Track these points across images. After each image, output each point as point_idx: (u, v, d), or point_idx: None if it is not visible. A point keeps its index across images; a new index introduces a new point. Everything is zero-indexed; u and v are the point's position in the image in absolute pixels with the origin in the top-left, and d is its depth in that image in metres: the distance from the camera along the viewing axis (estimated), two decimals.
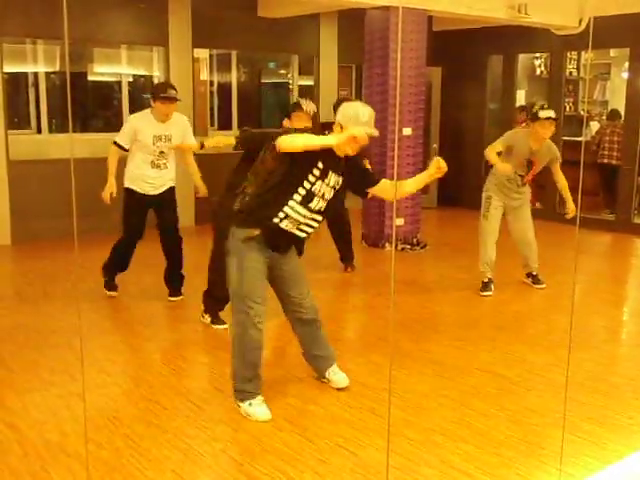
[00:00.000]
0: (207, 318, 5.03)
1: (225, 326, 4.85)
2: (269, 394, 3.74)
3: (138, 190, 5.32)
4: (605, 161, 9.41)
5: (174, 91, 5.20)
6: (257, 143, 4.69)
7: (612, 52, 10.92)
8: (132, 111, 7.43)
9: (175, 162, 5.46)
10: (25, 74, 8.58)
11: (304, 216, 3.54)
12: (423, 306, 5.74)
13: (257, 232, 3.50)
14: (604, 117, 10.79)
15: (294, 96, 10.68)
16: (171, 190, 5.47)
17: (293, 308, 3.82)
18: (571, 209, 5.88)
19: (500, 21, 8.41)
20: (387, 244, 7.70)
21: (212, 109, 10.39)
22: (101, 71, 9.35)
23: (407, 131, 7.63)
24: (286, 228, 3.54)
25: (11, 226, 7.71)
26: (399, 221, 7.63)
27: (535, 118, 5.64)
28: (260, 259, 3.54)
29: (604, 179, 9.51)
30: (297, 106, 4.62)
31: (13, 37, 8.01)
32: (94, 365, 4.27)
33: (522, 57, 10.44)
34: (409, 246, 7.73)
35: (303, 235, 3.64)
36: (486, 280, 5.99)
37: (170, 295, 5.64)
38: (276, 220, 3.50)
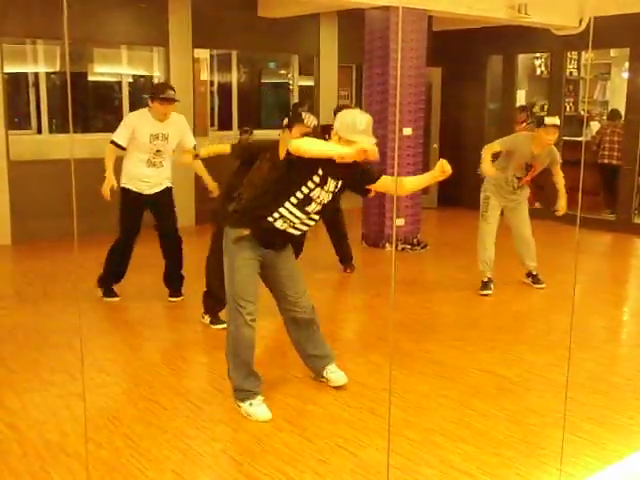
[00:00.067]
0: (207, 318, 5.03)
1: (224, 325, 4.84)
2: (268, 394, 3.74)
3: (134, 189, 5.32)
4: (605, 161, 9.41)
5: (173, 92, 5.23)
6: (252, 154, 4.72)
7: (612, 52, 10.92)
8: (132, 111, 7.43)
9: (171, 162, 5.47)
10: (25, 74, 8.59)
11: (300, 218, 3.55)
12: (423, 306, 5.74)
13: (246, 232, 3.52)
14: (604, 117, 10.78)
15: (294, 96, 10.68)
16: (168, 191, 5.48)
17: (288, 307, 3.82)
18: (561, 207, 5.91)
19: (500, 21, 8.41)
20: (387, 244, 7.70)
21: (212, 109, 10.39)
22: (101, 71, 9.35)
23: (407, 131, 7.63)
24: (281, 228, 3.55)
25: (11, 226, 7.72)
26: (399, 221, 7.63)
27: (540, 124, 5.66)
28: (252, 258, 3.57)
29: (604, 179, 9.51)
30: (299, 119, 4.53)
31: (13, 37, 8.01)
32: (94, 365, 4.27)
33: (522, 57, 10.44)
34: (409, 246, 7.73)
35: (298, 233, 3.65)
36: (485, 280, 6.00)
37: (170, 295, 5.64)
38: (270, 219, 3.51)
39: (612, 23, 7.78)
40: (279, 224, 3.53)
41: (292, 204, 3.49)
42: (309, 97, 10.42)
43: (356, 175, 3.64)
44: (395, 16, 7.35)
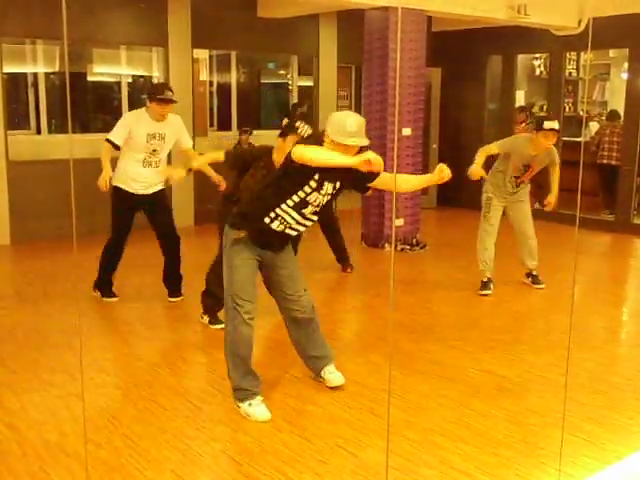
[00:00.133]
0: (206, 318, 5.03)
1: (222, 325, 4.84)
2: (268, 394, 3.75)
3: (127, 189, 5.33)
4: (604, 161, 9.41)
5: (171, 93, 5.25)
6: (245, 162, 4.73)
7: (611, 53, 10.93)
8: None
9: (166, 163, 5.48)
10: (24, 74, 8.59)
11: (296, 219, 3.56)
12: (423, 306, 5.74)
13: (243, 234, 3.55)
14: (603, 117, 10.79)
15: (293, 96, 10.69)
16: (162, 192, 5.50)
17: (289, 306, 3.82)
18: (549, 202, 5.91)
19: (500, 21, 8.41)
20: (387, 244, 7.70)
21: (212, 109, 10.39)
22: (101, 71, 9.35)
23: (407, 131, 7.64)
24: (277, 229, 3.56)
25: (10, 226, 7.72)
26: (399, 221, 7.64)
27: (539, 128, 5.61)
28: (251, 258, 3.59)
29: (603, 179, 9.51)
30: (293, 129, 4.51)
31: (13, 37, 8.01)
32: (93, 365, 4.27)
33: (521, 57, 10.45)
34: (409, 246, 7.73)
35: (294, 234, 3.67)
36: (485, 280, 6.00)
37: (170, 296, 5.64)
38: (267, 220, 3.53)
39: (611, 24, 7.79)
40: (275, 225, 3.55)
41: (288, 206, 3.51)
42: (308, 97, 10.42)
43: (355, 176, 3.63)
44: (394, 16, 7.35)
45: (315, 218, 3.64)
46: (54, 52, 8.77)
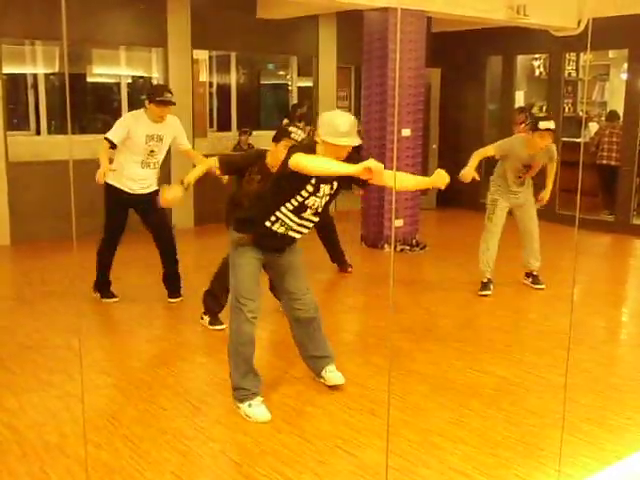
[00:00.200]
0: (206, 319, 5.03)
1: (223, 327, 4.85)
2: (267, 395, 3.75)
3: (123, 188, 5.33)
4: (604, 162, 9.41)
5: (170, 95, 5.27)
6: (239, 168, 4.72)
7: (611, 53, 10.94)
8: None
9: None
10: (24, 75, 8.59)
11: (296, 222, 3.59)
12: (422, 307, 5.74)
13: (246, 237, 3.60)
14: (603, 118, 10.80)
15: (293, 97, 10.70)
16: (157, 193, 5.49)
17: (293, 305, 3.84)
18: (542, 197, 6.00)
19: (499, 22, 8.41)
20: (386, 245, 7.70)
21: (211, 110, 10.40)
22: (100, 72, 9.36)
23: (406, 132, 7.64)
24: (279, 231, 3.59)
25: (10, 227, 7.72)
26: (398, 222, 7.64)
27: (535, 128, 5.62)
28: (254, 257, 3.63)
29: (603, 180, 9.51)
30: (287, 134, 4.48)
31: (12, 38, 8.01)
32: (93, 366, 4.27)
33: (521, 58, 10.45)
34: (408, 247, 7.73)
35: (298, 236, 3.70)
36: (485, 280, 6.00)
37: (169, 296, 5.64)
38: (268, 224, 3.57)
39: (611, 24, 7.79)
40: (277, 227, 3.58)
41: (288, 210, 3.54)
42: (308, 98, 10.43)
43: (351, 177, 3.60)
44: (394, 17, 7.35)
45: (316, 219, 3.66)
46: (54, 53, 8.78)
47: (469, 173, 5.54)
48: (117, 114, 8.66)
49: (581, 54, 10.57)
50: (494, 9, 7.99)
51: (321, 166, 3.31)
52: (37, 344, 4.66)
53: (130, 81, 9.11)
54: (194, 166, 5.08)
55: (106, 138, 5.24)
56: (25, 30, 7.67)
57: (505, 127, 9.63)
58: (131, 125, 5.24)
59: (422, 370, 4.30)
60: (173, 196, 4.58)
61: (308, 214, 3.58)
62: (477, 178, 5.58)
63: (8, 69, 8.13)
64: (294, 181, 3.44)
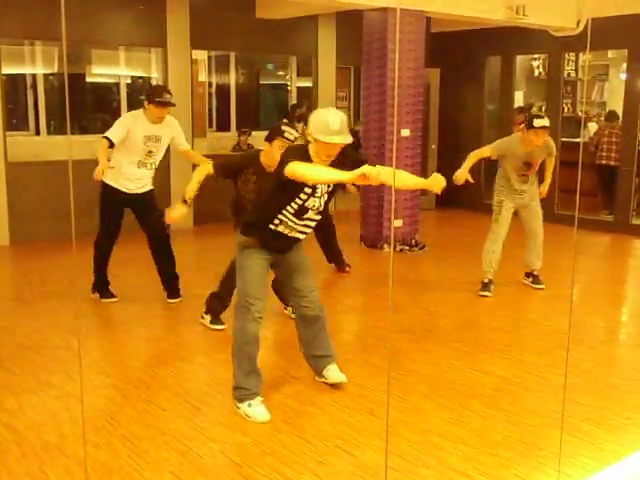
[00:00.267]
0: (207, 318, 5.02)
1: (223, 327, 4.85)
2: (267, 395, 3.74)
3: (119, 187, 5.33)
4: (603, 162, 9.41)
5: (169, 95, 5.28)
6: (235, 171, 4.73)
7: (610, 53, 10.94)
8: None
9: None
10: (23, 75, 8.59)
11: (299, 224, 3.62)
12: (422, 307, 5.74)
13: (252, 240, 3.63)
14: (602, 118, 10.80)
15: (292, 97, 10.69)
16: (152, 192, 5.52)
17: (299, 302, 3.87)
18: (541, 192, 6.08)
19: (498, 22, 8.41)
20: (386, 245, 7.70)
21: (210, 110, 10.40)
22: (99, 72, 9.35)
23: (405, 132, 7.64)
24: (284, 232, 3.63)
25: (9, 227, 7.72)
26: (397, 222, 7.63)
27: (530, 126, 5.65)
28: (262, 258, 3.67)
29: (602, 180, 9.51)
30: (280, 134, 4.47)
31: (11, 38, 8.01)
32: (92, 366, 4.27)
33: (520, 58, 10.46)
34: (407, 247, 7.73)
35: (303, 236, 3.74)
36: (486, 281, 6.00)
37: (169, 297, 5.64)
38: (272, 226, 3.60)
39: (610, 24, 7.79)
40: (282, 229, 3.62)
41: (290, 213, 3.57)
42: (307, 98, 10.43)
43: (348, 160, 3.54)
44: (393, 17, 7.35)
45: (319, 217, 3.70)
46: (53, 53, 8.77)
47: (462, 175, 5.57)
48: (116, 114, 8.65)
49: (580, 54, 10.57)
50: (493, 9, 7.99)
51: (317, 175, 3.31)
52: (36, 344, 4.66)
53: (129, 81, 9.11)
54: (193, 167, 5.07)
55: (105, 137, 5.25)
56: (24, 30, 7.67)
57: (504, 127, 9.63)
58: (130, 125, 5.25)
59: (422, 370, 4.30)
60: (179, 215, 4.68)
61: (310, 215, 3.61)
62: (471, 180, 5.57)
63: (7, 69, 8.13)
64: (291, 187, 3.46)
